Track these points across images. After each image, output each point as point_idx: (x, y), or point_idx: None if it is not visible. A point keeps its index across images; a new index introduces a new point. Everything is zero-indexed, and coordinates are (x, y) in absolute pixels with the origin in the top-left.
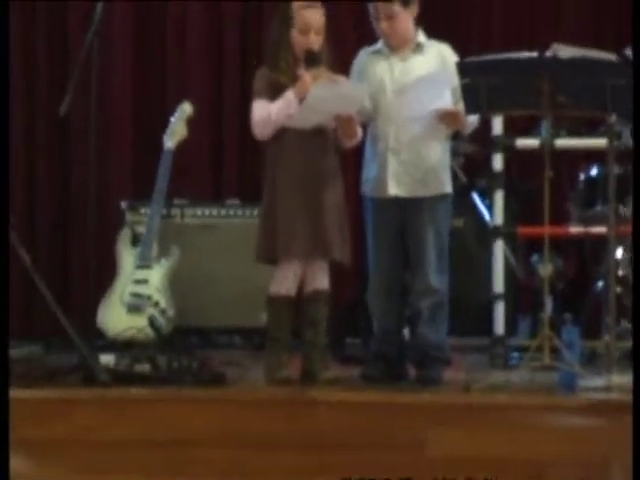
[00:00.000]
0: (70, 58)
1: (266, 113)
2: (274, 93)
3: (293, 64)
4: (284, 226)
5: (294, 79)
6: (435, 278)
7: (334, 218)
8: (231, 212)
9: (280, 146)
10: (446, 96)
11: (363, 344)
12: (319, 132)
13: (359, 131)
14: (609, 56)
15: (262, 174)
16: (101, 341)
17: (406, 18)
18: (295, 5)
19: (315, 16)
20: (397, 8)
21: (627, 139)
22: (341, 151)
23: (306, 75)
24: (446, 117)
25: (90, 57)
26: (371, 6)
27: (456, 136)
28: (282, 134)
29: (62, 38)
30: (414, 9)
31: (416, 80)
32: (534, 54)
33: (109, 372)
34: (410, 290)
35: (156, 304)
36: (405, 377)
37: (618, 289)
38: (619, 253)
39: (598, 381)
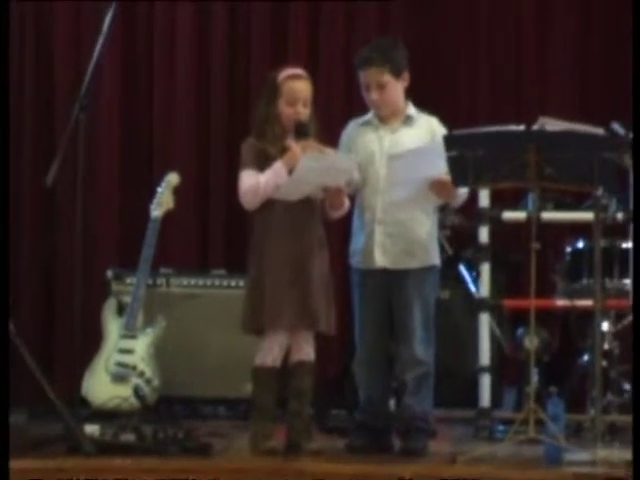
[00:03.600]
0: (56, 128)
1: (255, 183)
2: (262, 163)
3: (280, 135)
4: (271, 297)
5: (282, 150)
6: (421, 349)
7: (320, 289)
8: (217, 282)
9: (267, 217)
10: (440, 166)
11: (348, 415)
12: (306, 203)
13: (346, 202)
14: (596, 130)
15: (248, 244)
16: (86, 410)
17: (396, 88)
18: (282, 76)
19: (302, 87)
20: (388, 78)
21: (613, 212)
22: (327, 221)
23: (295, 146)
24: (438, 186)
25: (77, 128)
26: (362, 75)
27: (443, 208)
28: (269, 204)
29: (48, 107)
30: (405, 80)
31: (412, 149)
32: (521, 127)
33: (94, 442)
34: (396, 361)
35: (141, 374)
36: (390, 448)
37: (604, 362)
38: (605, 326)
39: (583, 455)
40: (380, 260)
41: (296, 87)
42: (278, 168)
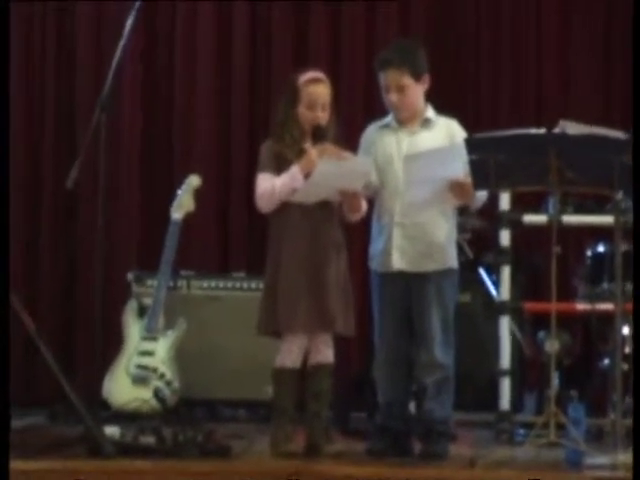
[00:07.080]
0: (77, 130)
1: (270, 187)
2: (279, 166)
3: (299, 138)
4: (286, 299)
5: (299, 153)
6: (440, 353)
7: (338, 292)
8: (237, 284)
9: (284, 219)
10: (458, 167)
11: (368, 418)
12: (323, 205)
13: (364, 205)
14: (617, 133)
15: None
16: (106, 412)
17: (416, 91)
18: (301, 80)
19: (321, 91)
20: (408, 80)
21: None
22: (345, 224)
23: (312, 150)
24: (456, 187)
25: (98, 130)
26: (381, 77)
27: (463, 211)
28: (286, 207)
29: (69, 109)
30: (425, 83)
31: (430, 149)
32: (542, 130)
33: (114, 444)
34: (416, 364)
35: (162, 376)
36: (410, 452)
37: (624, 366)
38: (625, 330)
39: (604, 459)
40: (398, 263)
41: (315, 91)
42: (294, 172)
